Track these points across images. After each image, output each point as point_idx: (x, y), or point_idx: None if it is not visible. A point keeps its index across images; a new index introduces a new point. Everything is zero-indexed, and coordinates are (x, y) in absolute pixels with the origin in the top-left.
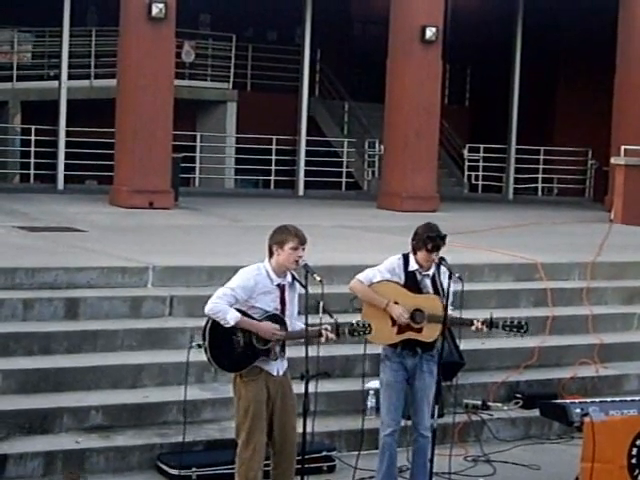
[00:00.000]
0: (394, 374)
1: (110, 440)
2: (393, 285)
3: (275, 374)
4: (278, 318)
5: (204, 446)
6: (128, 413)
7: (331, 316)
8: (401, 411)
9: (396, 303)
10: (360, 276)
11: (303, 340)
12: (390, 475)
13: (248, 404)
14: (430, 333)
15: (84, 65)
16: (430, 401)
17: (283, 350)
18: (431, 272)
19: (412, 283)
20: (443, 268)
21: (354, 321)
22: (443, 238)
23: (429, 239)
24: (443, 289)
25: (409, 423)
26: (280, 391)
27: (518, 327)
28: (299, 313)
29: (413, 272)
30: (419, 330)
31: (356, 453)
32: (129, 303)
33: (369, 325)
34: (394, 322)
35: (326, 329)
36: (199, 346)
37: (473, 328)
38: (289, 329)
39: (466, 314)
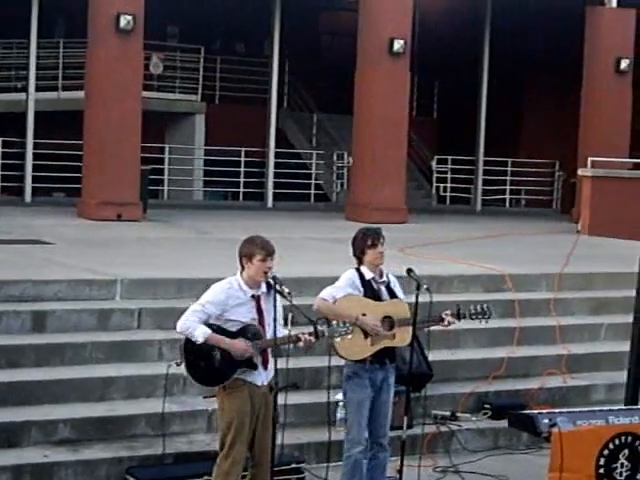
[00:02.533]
0: (365, 391)
1: (78, 454)
2: (356, 298)
3: (260, 384)
4: (254, 328)
5: (173, 459)
6: (96, 426)
7: (310, 321)
8: (366, 427)
9: (364, 315)
10: (323, 295)
11: (280, 349)
12: None
13: (232, 417)
14: (403, 337)
15: (52, 77)
16: (391, 413)
17: (265, 360)
18: (385, 279)
19: (371, 293)
20: (392, 279)
21: (334, 322)
22: (378, 229)
23: (365, 236)
24: (397, 296)
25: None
26: (264, 402)
27: (482, 314)
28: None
29: (369, 281)
30: (392, 337)
31: (331, 465)
32: (97, 316)
33: (350, 326)
34: (366, 334)
35: (303, 333)
36: (177, 364)
37: (445, 323)
38: (268, 337)
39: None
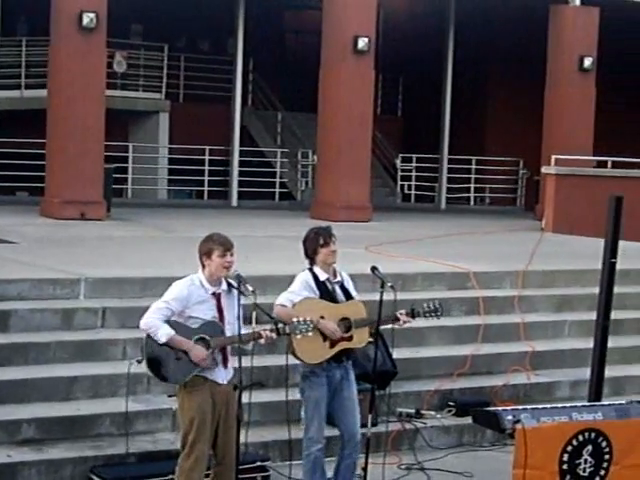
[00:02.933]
0: (322, 389)
1: (42, 453)
2: (314, 301)
3: (221, 382)
4: (215, 325)
5: (137, 458)
6: (60, 426)
7: (271, 318)
8: (325, 425)
9: (322, 317)
10: (280, 301)
11: (243, 347)
12: None
13: (193, 415)
14: (360, 338)
15: (14, 75)
16: (358, 409)
17: (226, 358)
18: (339, 278)
19: (326, 294)
20: (345, 276)
21: (294, 319)
22: (328, 228)
23: (317, 235)
24: (352, 296)
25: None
26: (226, 400)
27: (434, 311)
28: (245, 322)
29: (324, 282)
30: (349, 338)
31: (293, 463)
32: (61, 315)
33: (311, 322)
34: (325, 337)
35: (264, 330)
36: (139, 362)
37: (401, 322)
38: (228, 335)
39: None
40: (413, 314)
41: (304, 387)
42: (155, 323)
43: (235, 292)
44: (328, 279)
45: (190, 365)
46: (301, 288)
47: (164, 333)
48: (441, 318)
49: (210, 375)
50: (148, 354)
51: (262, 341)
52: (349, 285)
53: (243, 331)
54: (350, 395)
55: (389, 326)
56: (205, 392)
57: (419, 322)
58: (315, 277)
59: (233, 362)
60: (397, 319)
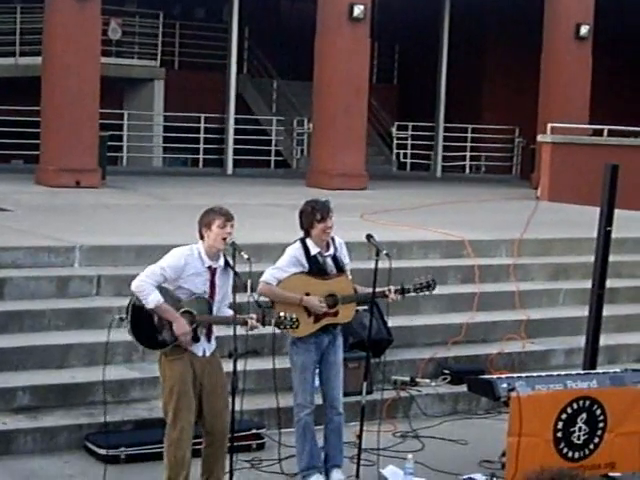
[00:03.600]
0: (309, 355)
1: (37, 421)
2: (300, 277)
3: (200, 354)
4: (204, 301)
5: (133, 426)
6: (55, 393)
7: (259, 306)
8: (314, 390)
9: (307, 294)
10: (265, 278)
11: (228, 325)
12: (315, 454)
13: (173, 383)
14: (346, 314)
15: (9, 42)
16: (342, 376)
17: (210, 332)
18: (331, 251)
19: (316, 268)
20: (339, 241)
21: (281, 314)
22: (326, 202)
23: (314, 210)
24: (343, 264)
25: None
26: (207, 370)
27: (427, 286)
28: (241, 291)
29: (315, 256)
30: (335, 314)
31: (286, 430)
32: (56, 283)
33: (297, 319)
34: (309, 313)
35: (251, 318)
36: (121, 319)
37: (389, 300)
38: (216, 313)
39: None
40: (403, 291)
41: (292, 353)
42: (146, 287)
43: (231, 272)
44: (320, 252)
45: (170, 335)
46: (289, 264)
47: (154, 299)
48: (433, 292)
49: (189, 346)
50: (134, 316)
51: (247, 328)
52: (342, 253)
53: (227, 311)
54: (336, 360)
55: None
56: (185, 361)
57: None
58: (306, 250)
59: (217, 333)
60: (385, 296)
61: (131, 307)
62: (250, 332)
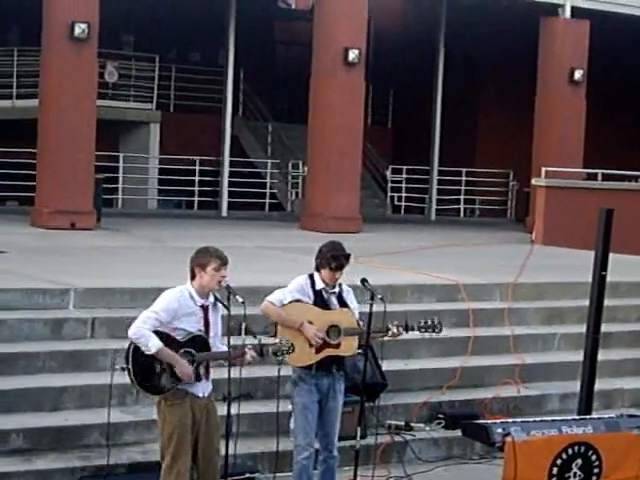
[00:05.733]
0: (310, 396)
1: (31, 464)
2: (304, 305)
3: (201, 395)
4: (201, 339)
5: (126, 469)
6: (49, 436)
7: (254, 336)
8: (314, 433)
9: (310, 322)
10: (271, 298)
11: (226, 361)
12: None
13: (173, 428)
14: (348, 347)
15: (6, 85)
16: (339, 420)
17: (208, 371)
18: (337, 290)
19: (320, 302)
20: (346, 288)
21: (277, 340)
22: (347, 257)
23: (333, 258)
24: (348, 306)
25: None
26: (205, 414)
27: (432, 327)
28: (223, 335)
29: (320, 291)
30: (337, 346)
31: (281, 475)
32: (50, 325)
33: (292, 344)
34: (311, 343)
35: (249, 348)
36: (122, 369)
37: (390, 334)
38: (212, 350)
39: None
40: (407, 327)
41: (293, 394)
42: (144, 333)
43: (220, 306)
44: (325, 288)
45: (173, 379)
46: (295, 290)
47: (154, 344)
48: (440, 334)
49: (190, 388)
50: (133, 363)
51: (246, 359)
52: (348, 296)
53: (222, 346)
54: (334, 406)
55: (380, 339)
56: (185, 405)
57: (408, 334)
58: (313, 284)
59: (213, 375)
60: (387, 330)
61: (131, 355)
62: (249, 364)
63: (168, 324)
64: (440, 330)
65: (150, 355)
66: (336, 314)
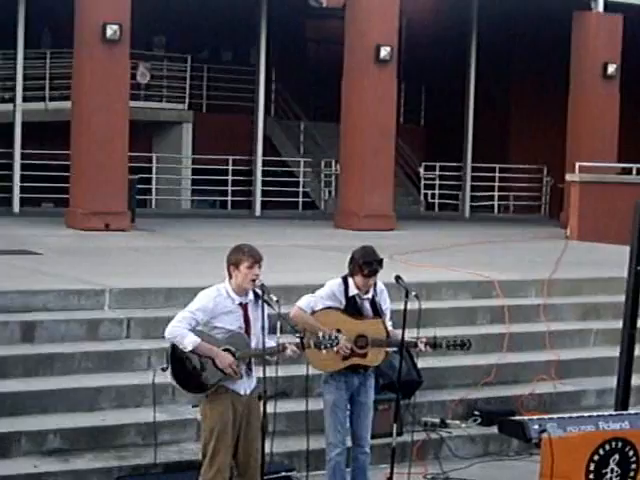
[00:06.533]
0: (340, 393)
1: (68, 464)
2: (335, 313)
3: (242, 393)
4: (241, 337)
5: (163, 468)
6: (86, 436)
7: (296, 331)
8: (346, 430)
9: (339, 331)
10: (301, 304)
11: (267, 358)
12: None
13: (213, 424)
14: (374, 357)
15: (39, 87)
16: (371, 416)
17: (250, 368)
18: (370, 295)
19: (353, 308)
20: (380, 287)
21: (320, 334)
22: (380, 262)
23: (365, 264)
24: (382, 310)
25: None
26: (247, 411)
27: (461, 345)
28: (270, 332)
29: (353, 297)
30: (364, 355)
31: (316, 473)
32: (86, 326)
33: (336, 337)
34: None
35: (290, 343)
36: (163, 370)
37: (417, 350)
38: (256, 347)
39: (424, 332)
40: (435, 344)
41: (324, 391)
42: (180, 332)
43: (262, 303)
44: (358, 294)
45: (215, 372)
46: (326, 297)
47: (190, 341)
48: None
49: (231, 385)
50: (173, 363)
51: (288, 352)
52: (382, 298)
53: (268, 341)
54: (365, 401)
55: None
56: (226, 402)
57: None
58: (346, 289)
59: (257, 372)
60: (415, 346)
61: (170, 354)
62: (291, 357)
63: (207, 324)
64: (469, 347)
65: (189, 353)
66: (365, 324)
